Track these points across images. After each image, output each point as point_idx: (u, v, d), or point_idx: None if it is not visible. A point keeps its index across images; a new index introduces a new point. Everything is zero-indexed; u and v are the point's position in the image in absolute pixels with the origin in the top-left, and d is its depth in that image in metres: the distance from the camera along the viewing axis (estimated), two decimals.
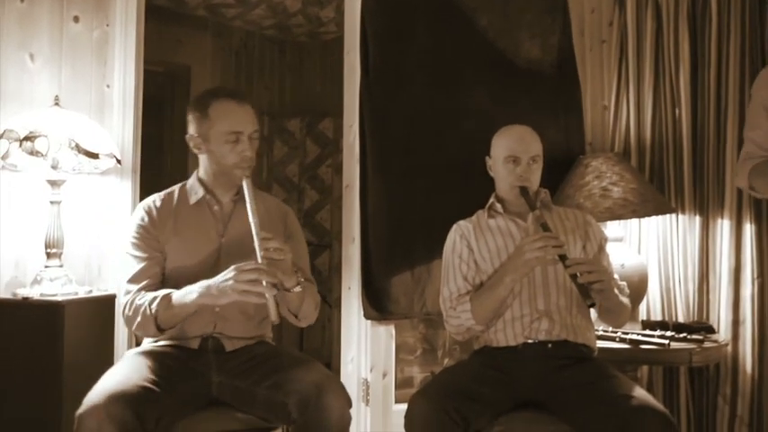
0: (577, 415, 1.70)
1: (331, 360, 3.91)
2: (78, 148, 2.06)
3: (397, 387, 2.66)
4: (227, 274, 1.65)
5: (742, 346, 2.56)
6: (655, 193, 2.56)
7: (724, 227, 2.61)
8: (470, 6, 2.74)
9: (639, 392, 1.67)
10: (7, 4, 2.23)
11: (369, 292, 2.56)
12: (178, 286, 1.74)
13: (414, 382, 2.81)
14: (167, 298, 1.72)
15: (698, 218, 2.67)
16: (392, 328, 2.65)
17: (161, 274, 1.83)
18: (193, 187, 1.91)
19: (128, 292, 1.79)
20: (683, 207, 2.69)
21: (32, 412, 2.00)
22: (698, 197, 2.68)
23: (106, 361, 2.03)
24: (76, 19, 2.35)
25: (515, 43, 2.78)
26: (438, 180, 2.62)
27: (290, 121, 4.59)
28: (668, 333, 2.30)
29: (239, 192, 1.83)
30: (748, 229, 2.58)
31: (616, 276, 2.00)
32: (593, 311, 1.96)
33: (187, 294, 1.70)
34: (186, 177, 1.99)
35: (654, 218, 2.68)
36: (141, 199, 2.00)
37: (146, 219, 1.86)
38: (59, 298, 2.04)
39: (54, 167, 2.04)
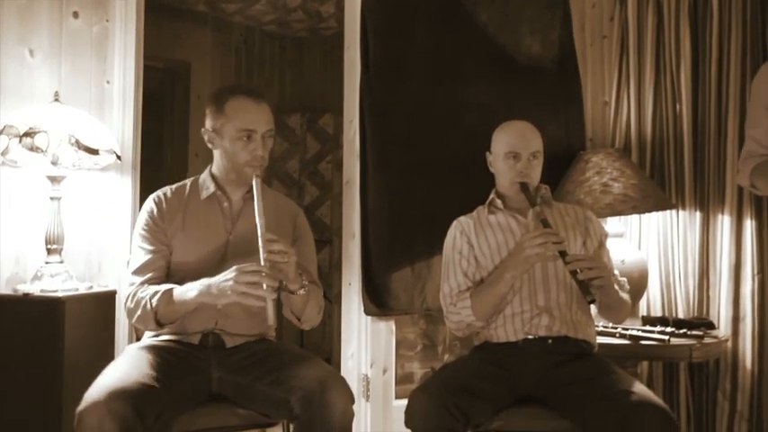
0: (577, 410, 1.70)
1: (331, 356, 3.91)
2: (78, 144, 2.06)
3: (397, 383, 2.67)
4: (228, 274, 1.65)
5: (742, 341, 2.56)
6: (655, 188, 2.55)
7: (724, 223, 2.61)
8: (471, 2, 2.73)
9: (639, 388, 1.67)
10: None
11: (369, 287, 2.56)
12: (183, 281, 1.74)
13: (414, 377, 2.82)
14: (168, 293, 1.72)
15: (698, 214, 2.67)
16: (392, 324, 2.66)
17: (166, 268, 1.83)
18: (205, 182, 1.91)
19: (131, 284, 1.80)
20: (683, 203, 2.69)
21: (33, 409, 2.00)
22: (698, 193, 2.68)
23: (107, 357, 2.03)
24: (76, 14, 2.34)
25: (516, 39, 2.77)
26: (438, 176, 2.62)
27: (290, 117, 4.58)
28: (668, 329, 2.31)
29: (250, 190, 1.82)
30: (749, 226, 2.58)
31: (616, 272, 2.00)
32: (593, 307, 1.96)
33: (188, 291, 1.70)
34: (186, 173, 1.99)
35: (654, 214, 2.68)
36: (141, 195, 2.00)
37: (155, 211, 1.86)
38: (60, 294, 2.04)
39: (54, 163, 2.04)
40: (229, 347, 1.81)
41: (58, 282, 2.09)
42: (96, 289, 2.21)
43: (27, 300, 2.04)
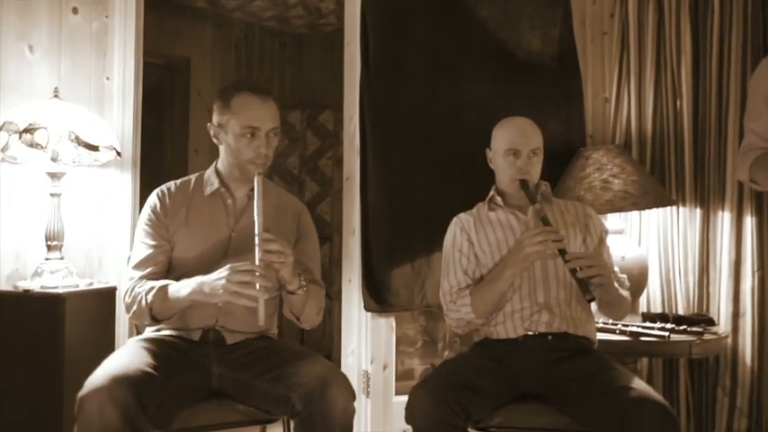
0: (577, 407, 1.71)
1: (332, 352, 3.92)
2: (78, 141, 2.05)
3: (397, 379, 2.67)
4: (221, 273, 1.64)
5: (742, 338, 2.57)
6: (655, 185, 2.55)
7: (725, 219, 2.61)
8: None
9: (639, 384, 1.67)
10: None
11: (369, 284, 2.56)
12: (185, 276, 1.74)
13: (414, 374, 2.82)
14: (163, 290, 1.72)
15: (698, 210, 2.67)
16: (392, 321, 2.66)
17: (166, 263, 1.83)
18: (210, 178, 1.91)
19: (130, 279, 1.80)
20: (683, 199, 2.69)
21: (33, 405, 2.00)
22: (699, 189, 2.68)
23: (107, 353, 2.01)
24: (75, 10, 2.34)
25: (516, 35, 2.77)
26: (438, 172, 2.61)
27: (290, 114, 4.57)
28: (668, 325, 2.31)
29: (254, 187, 1.81)
30: (749, 222, 2.58)
31: (616, 269, 2.00)
32: (593, 304, 1.96)
33: (181, 289, 1.70)
34: (186, 170, 1.99)
35: (654, 210, 2.68)
36: (141, 191, 2.00)
37: (158, 205, 1.86)
38: (60, 290, 2.04)
39: (54, 160, 2.04)
40: (230, 344, 1.81)
41: (58, 278, 2.09)
42: (96, 285, 2.21)
43: (27, 296, 2.04)
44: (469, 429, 1.72)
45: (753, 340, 2.55)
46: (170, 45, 4.14)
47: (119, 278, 2.23)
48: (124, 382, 1.50)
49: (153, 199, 1.88)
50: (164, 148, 4.27)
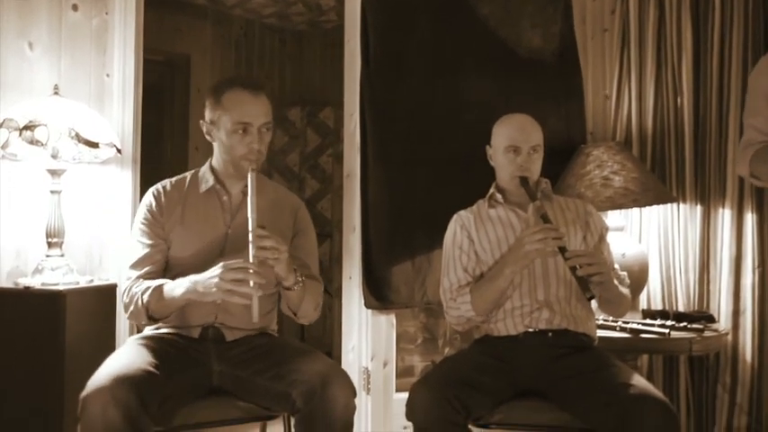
0: (578, 403, 1.71)
1: (332, 349, 3.92)
2: (78, 138, 2.05)
3: (397, 376, 2.67)
4: (214, 271, 1.64)
5: (742, 335, 2.57)
6: (656, 182, 2.55)
7: (725, 216, 2.61)
8: None
9: (639, 381, 1.68)
10: None
11: (369, 281, 2.56)
12: (182, 274, 1.74)
13: (414, 371, 2.82)
14: (159, 289, 1.72)
15: (699, 207, 2.67)
16: (393, 318, 2.66)
17: (163, 262, 1.83)
18: (205, 175, 1.90)
19: (128, 278, 1.80)
20: (684, 196, 2.69)
21: (34, 401, 2.01)
22: (699, 186, 2.68)
23: (108, 350, 2.02)
24: (75, 7, 2.33)
25: (517, 32, 2.76)
26: (438, 169, 2.61)
27: (290, 110, 4.57)
28: (668, 322, 2.31)
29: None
30: (749, 219, 2.58)
31: (617, 266, 2.00)
32: (593, 301, 1.96)
33: (176, 288, 1.70)
34: (187, 167, 1.99)
35: (655, 207, 2.68)
36: (142, 188, 2.00)
37: (153, 204, 1.85)
38: (61, 287, 2.04)
39: (54, 157, 2.04)
40: (229, 341, 1.82)
41: (58, 275, 2.09)
42: (97, 282, 2.22)
43: (28, 293, 2.04)
44: (470, 426, 1.73)
45: (753, 337, 2.55)
46: (170, 42, 4.13)
47: (119, 275, 2.23)
48: (126, 383, 1.51)
49: (148, 198, 1.88)
50: (164, 146, 4.27)
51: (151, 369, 1.59)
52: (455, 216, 2.04)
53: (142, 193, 2.01)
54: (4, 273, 2.19)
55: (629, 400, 1.60)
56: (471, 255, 1.96)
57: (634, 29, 2.79)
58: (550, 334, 1.86)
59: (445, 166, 2.61)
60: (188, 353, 1.76)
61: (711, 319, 2.47)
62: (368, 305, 2.58)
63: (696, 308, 2.65)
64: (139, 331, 1.88)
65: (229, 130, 1.80)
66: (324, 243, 4.48)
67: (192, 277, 1.68)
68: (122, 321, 2.28)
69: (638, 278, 2.44)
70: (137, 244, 1.83)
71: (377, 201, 2.58)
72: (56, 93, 2.19)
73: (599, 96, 2.88)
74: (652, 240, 2.72)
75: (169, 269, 1.82)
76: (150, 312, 1.74)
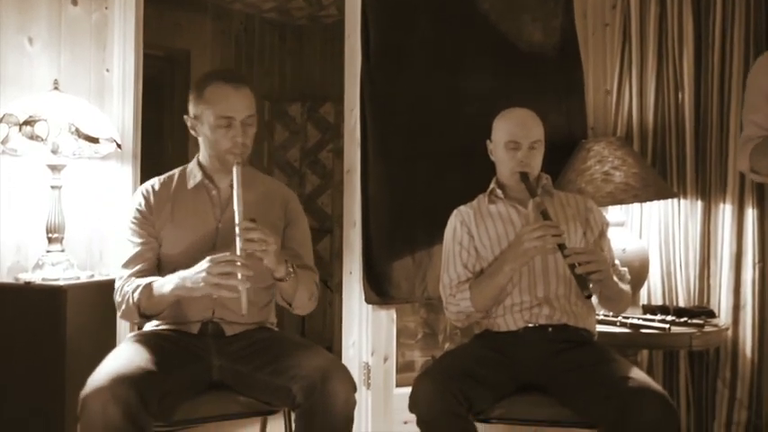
0: (577, 397, 1.71)
1: (332, 344, 3.93)
2: (78, 133, 2.05)
3: (398, 371, 2.68)
4: (202, 265, 1.64)
5: (742, 330, 2.57)
6: (656, 177, 2.55)
7: (726, 211, 2.61)
8: None
9: (639, 374, 1.68)
10: None
11: (370, 276, 2.56)
12: (175, 271, 1.74)
13: (415, 366, 2.83)
14: (149, 287, 1.72)
15: (700, 202, 2.67)
16: (393, 313, 2.66)
17: (155, 260, 1.83)
18: (193, 171, 1.90)
19: (120, 278, 1.80)
20: (684, 192, 2.68)
21: (35, 396, 2.01)
22: (700, 182, 2.67)
23: (108, 345, 2.04)
24: (75, 2, 2.33)
25: (518, 27, 2.75)
26: (439, 164, 2.61)
27: (290, 106, 4.57)
28: (669, 317, 2.31)
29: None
30: (750, 214, 2.58)
31: (617, 262, 2.00)
32: (593, 297, 1.96)
33: (165, 285, 1.70)
34: (187, 162, 1.98)
35: (655, 202, 2.67)
36: (142, 183, 2.00)
37: (142, 203, 1.85)
38: (61, 282, 2.04)
39: (54, 152, 2.04)
40: (229, 336, 1.82)
41: (59, 270, 2.10)
42: (97, 277, 2.21)
43: (29, 288, 2.04)
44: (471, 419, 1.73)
45: (753, 332, 2.55)
46: (170, 37, 4.12)
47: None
48: (125, 381, 1.51)
49: (137, 197, 1.88)
50: (164, 141, 4.27)
51: (150, 366, 1.60)
52: (455, 211, 2.04)
53: None
54: (4, 268, 2.20)
55: (629, 393, 1.60)
56: (471, 251, 1.95)
57: (635, 24, 2.78)
58: (550, 329, 1.86)
59: (446, 161, 2.61)
60: (188, 348, 1.76)
61: (712, 315, 2.47)
62: (368, 300, 2.58)
63: (696, 303, 2.65)
64: (140, 328, 1.89)
65: (213, 125, 1.80)
66: (324, 238, 4.48)
67: (181, 273, 1.69)
68: None
69: (639, 273, 2.44)
70: (128, 243, 1.83)
71: (377, 196, 2.58)
72: (56, 88, 2.19)
73: (600, 91, 2.88)
74: (653, 236, 2.72)
75: (162, 267, 1.82)
76: (142, 310, 1.75)
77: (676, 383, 2.65)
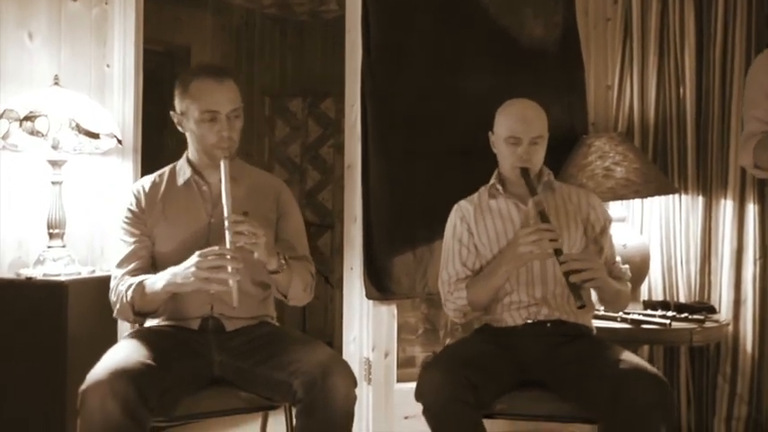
0: (576, 390, 1.71)
1: (333, 339, 3.93)
2: (79, 128, 2.05)
3: (398, 366, 2.68)
4: (191, 260, 1.64)
5: (743, 325, 2.57)
6: (658, 173, 2.55)
7: (727, 207, 2.60)
8: None
9: (631, 358, 1.70)
10: None
11: (371, 272, 2.56)
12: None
13: (415, 361, 2.83)
14: (142, 285, 1.73)
15: (701, 198, 2.66)
16: (394, 308, 2.66)
17: (149, 258, 1.83)
18: (182, 168, 1.90)
19: (114, 278, 1.81)
20: (685, 187, 2.68)
21: (36, 392, 2.02)
22: (701, 177, 2.67)
23: (110, 340, 2.04)
24: None
25: (519, 21, 2.75)
26: (440, 160, 2.61)
27: (291, 101, 4.56)
28: (669, 313, 2.31)
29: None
30: (751, 210, 2.57)
31: (618, 259, 1.99)
32: (593, 293, 1.95)
33: (157, 281, 1.71)
34: None
35: (656, 198, 2.67)
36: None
37: (133, 203, 1.86)
38: (63, 278, 2.05)
39: (55, 147, 2.04)
40: (229, 331, 1.82)
41: (60, 266, 2.10)
42: (98, 273, 2.22)
43: (30, 284, 2.05)
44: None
45: (754, 328, 2.55)
46: (170, 32, 4.11)
47: None
48: (124, 376, 1.52)
49: (129, 197, 1.88)
50: (164, 136, 4.26)
51: (150, 362, 1.60)
52: (455, 207, 2.03)
53: None
54: (5, 264, 2.20)
55: (622, 376, 1.61)
56: (471, 248, 1.95)
57: (637, 18, 2.77)
58: (548, 324, 1.86)
59: (446, 156, 2.60)
60: (188, 344, 1.76)
61: (712, 310, 2.47)
62: (369, 296, 2.58)
63: (697, 299, 2.65)
64: (140, 326, 1.89)
65: (198, 120, 1.79)
66: (325, 234, 4.48)
67: (172, 269, 1.69)
68: None
69: (640, 269, 2.44)
70: (120, 243, 1.83)
71: (378, 192, 2.58)
72: (56, 83, 2.19)
73: (601, 87, 2.87)
74: (653, 231, 2.72)
75: (157, 265, 1.82)
76: (136, 308, 1.75)
77: (677, 379, 2.65)
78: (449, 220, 2.02)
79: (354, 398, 1.66)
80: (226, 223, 1.65)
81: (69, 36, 2.31)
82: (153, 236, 1.83)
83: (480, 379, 1.68)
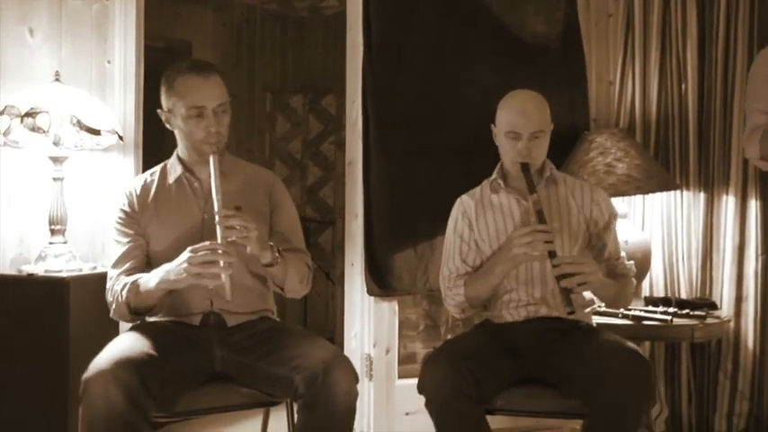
0: (569, 381, 1.72)
1: (334, 336, 3.93)
2: (80, 125, 2.05)
3: (400, 363, 2.68)
4: (183, 256, 1.64)
5: (744, 322, 2.57)
6: (659, 169, 2.54)
7: (729, 203, 2.60)
8: None
9: (612, 337, 1.73)
10: None
11: (372, 268, 2.57)
12: None
13: (416, 357, 2.83)
14: (136, 284, 1.73)
15: (702, 194, 2.66)
16: (395, 305, 2.67)
17: (143, 257, 1.83)
18: (173, 166, 1.90)
19: (110, 278, 1.81)
20: (687, 183, 2.68)
21: (39, 388, 2.02)
22: (703, 173, 2.67)
23: (111, 336, 2.02)
24: None
25: (521, 18, 2.74)
26: (441, 156, 2.60)
27: (292, 98, 4.56)
28: (671, 309, 2.31)
29: (216, 167, 1.77)
30: (753, 206, 2.57)
31: (623, 254, 1.97)
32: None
33: (150, 279, 1.71)
34: None
35: (658, 194, 2.67)
36: None
37: (126, 203, 1.86)
38: (64, 274, 2.05)
39: (56, 144, 2.04)
40: (231, 326, 1.82)
41: (61, 262, 2.10)
42: (100, 269, 2.21)
43: (31, 280, 2.05)
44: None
45: (755, 324, 2.55)
46: (170, 28, 4.11)
47: None
48: (127, 364, 1.52)
49: (121, 197, 1.88)
50: (166, 132, 4.25)
51: (153, 353, 1.61)
52: (458, 201, 2.01)
53: None
54: (7, 260, 2.20)
55: (603, 357, 1.64)
56: (471, 244, 1.94)
57: (638, 14, 2.76)
58: (548, 320, 1.87)
59: (448, 152, 2.60)
60: (189, 339, 1.77)
61: (714, 306, 2.47)
62: (370, 292, 2.59)
63: (698, 295, 2.65)
64: (143, 320, 1.89)
65: (185, 116, 1.79)
66: (326, 230, 4.48)
67: (165, 266, 1.69)
68: None
69: (641, 265, 2.44)
70: (115, 244, 1.84)
71: (379, 188, 2.58)
72: (57, 80, 2.19)
73: (602, 82, 2.87)
74: (655, 227, 2.72)
75: (152, 264, 1.81)
76: (132, 307, 1.75)
77: (678, 375, 2.66)
78: (451, 213, 2.01)
79: (356, 394, 1.66)
80: (216, 218, 1.66)
81: (70, 32, 2.30)
82: (147, 235, 1.83)
83: (482, 373, 1.68)
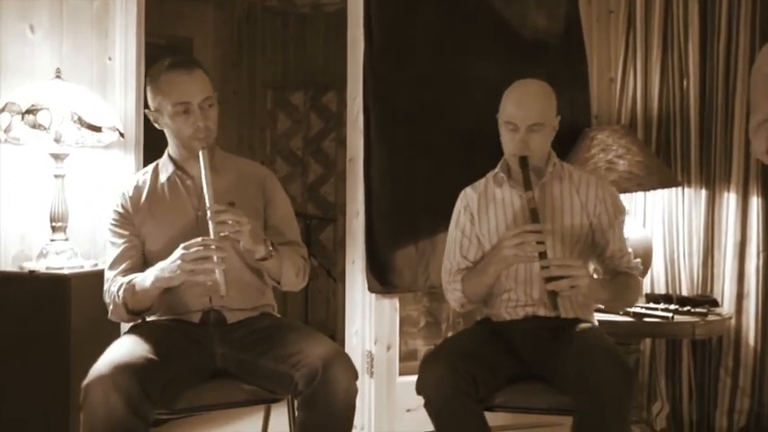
0: (559, 379, 1.72)
1: (335, 333, 3.94)
2: (81, 122, 2.05)
3: (401, 359, 2.68)
4: (176, 253, 1.65)
5: (746, 319, 2.57)
6: (660, 166, 2.54)
7: (730, 200, 2.60)
8: None
9: (601, 339, 1.72)
10: None
11: (373, 265, 2.57)
12: None
13: (417, 354, 2.83)
14: (132, 284, 1.73)
15: (704, 191, 2.66)
16: (396, 302, 2.67)
17: (139, 257, 1.83)
18: (165, 165, 1.89)
19: (107, 280, 1.81)
20: (689, 180, 2.67)
21: (41, 385, 2.02)
22: (704, 170, 2.66)
23: (112, 333, 2.04)
24: None
25: (522, 13, 2.73)
26: (442, 153, 2.60)
27: (293, 94, 4.55)
28: (672, 306, 2.31)
29: (207, 164, 1.76)
30: (754, 203, 2.57)
31: (630, 250, 1.94)
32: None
33: (146, 279, 1.71)
34: None
35: (659, 191, 2.67)
36: None
37: (119, 204, 1.85)
38: (65, 271, 2.05)
39: (57, 141, 2.04)
40: (231, 323, 1.82)
41: (63, 259, 2.10)
42: (101, 266, 2.21)
43: (33, 277, 2.05)
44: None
45: (756, 321, 2.55)
46: (171, 25, 4.11)
47: None
48: (127, 370, 1.52)
49: (115, 200, 1.87)
50: None
51: (152, 356, 1.60)
52: (461, 194, 1.99)
53: None
54: (8, 257, 2.20)
55: (585, 361, 1.63)
56: (472, 239, 1.93)
57: (640, 10, 2.76)
58: (548, 319, 1.86)
59: (449, 150, 2.60)
60: (190, 337, 1.77)
61: (715, 304, 2.47)
62: (371, 289, 2.59)
63: (700, 292, 2.65)
64: (143, 320, 1.89)
65: (171, 114, 1.78)
66: (327, 227, 4.48)
67: (159, 265, 1.69)
68: None
69: (642, 262, 2.41)
70: (110, 246, 1.84)
71: (380, 185, 2.58)
72: (58, 76, 2.19)
73: (604, 79, 2.86)
74: (656, 224, 2.72)
75: (148, 264, 1.80)
76: (130, 308, 1.75)
77: (679, 372, 2.66)
78: (455, 206, 2.00)
79: (355, 390, 1.66)
80: (208, 213, 1.66)
81: (71, 29, 2.30)
82: (142, 235, 1.83)
83: (480, 372, 1.68)
